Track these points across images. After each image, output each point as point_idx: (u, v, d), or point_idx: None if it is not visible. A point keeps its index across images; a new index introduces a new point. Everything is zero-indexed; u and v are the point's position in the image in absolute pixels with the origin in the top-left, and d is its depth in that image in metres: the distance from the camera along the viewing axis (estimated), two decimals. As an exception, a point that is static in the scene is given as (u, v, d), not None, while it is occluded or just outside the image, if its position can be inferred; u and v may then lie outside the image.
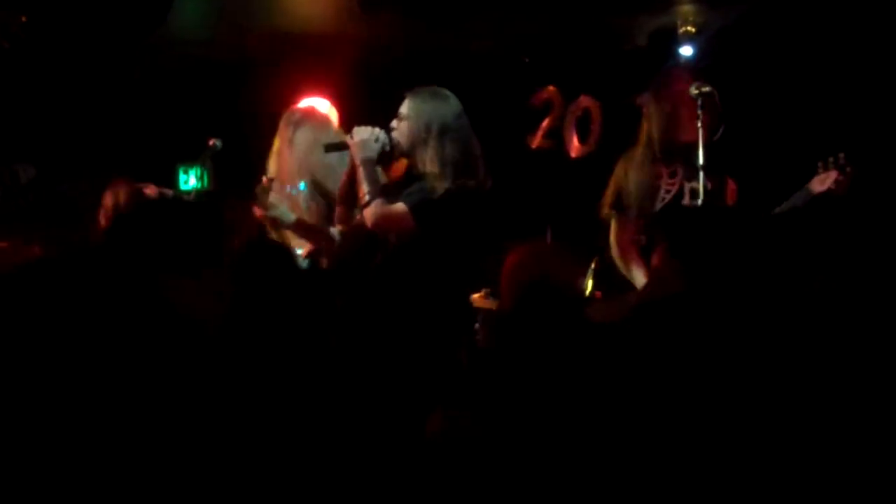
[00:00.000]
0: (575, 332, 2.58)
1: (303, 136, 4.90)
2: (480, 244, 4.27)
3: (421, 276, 4.08)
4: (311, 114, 5.10)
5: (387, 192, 4.31)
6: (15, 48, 5.31)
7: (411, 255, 4.17)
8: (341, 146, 4.47)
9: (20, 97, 5.88)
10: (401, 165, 4.55)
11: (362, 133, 4.38)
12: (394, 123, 4.45)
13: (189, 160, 6.29)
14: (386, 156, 4.47)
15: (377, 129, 4.38)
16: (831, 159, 4.11)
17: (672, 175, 4.30)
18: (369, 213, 4.26)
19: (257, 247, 3.24)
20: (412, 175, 4.44)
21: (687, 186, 4.25)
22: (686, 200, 4.24)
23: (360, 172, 4.33)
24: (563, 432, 2.32)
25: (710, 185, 4.14)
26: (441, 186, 4.20)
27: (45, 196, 5.59)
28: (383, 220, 4.25)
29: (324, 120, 5.08)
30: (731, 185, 4.27)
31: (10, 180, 5.54)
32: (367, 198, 4.27)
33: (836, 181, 4.09)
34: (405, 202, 4.20)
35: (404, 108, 4.43)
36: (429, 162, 4.31)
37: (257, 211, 4.85)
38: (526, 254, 3.96)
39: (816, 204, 4.05)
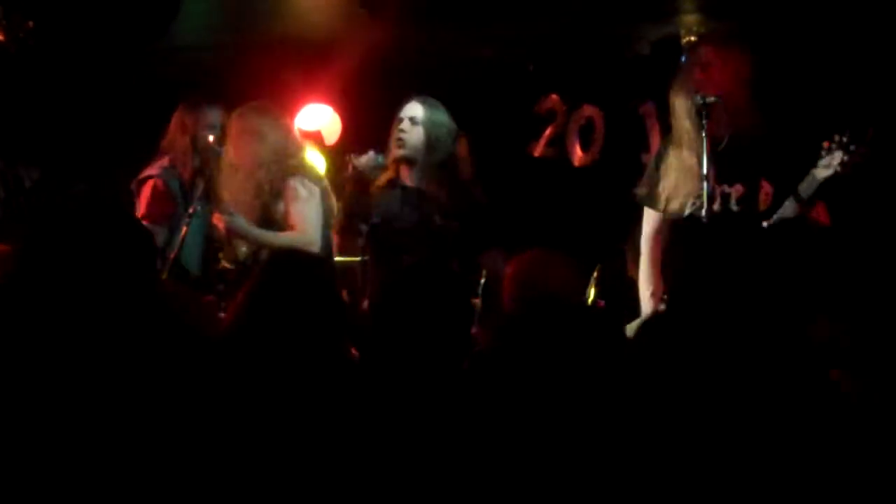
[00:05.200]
0: (577, 339, 2.59)
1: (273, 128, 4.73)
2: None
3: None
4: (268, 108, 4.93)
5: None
6: (22, 53, 5.33)
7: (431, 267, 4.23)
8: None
9: (25, 101, 5.89)
10: (385, 176, 4.58)
11: (364, 161, 4.46)
12: (405, 126, 4.44)
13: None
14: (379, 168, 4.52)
15: (373, 154, 4.43)
16: (836, 137, 3.92)
17: (702, 178, 4.13)
18: None
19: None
20: (396, 184, 4.46)
21: (718, 189, 4.14)
22: (717, 205, 4.12)
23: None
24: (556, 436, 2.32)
25: (742, 189, 4.09)
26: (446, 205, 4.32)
27: (48, 199, 5.60)
28: None
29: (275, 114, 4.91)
30: (766, 188, 4.12)
31: (13, 183, 5.55)
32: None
33: (840, 162, 3.89)
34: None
35: (419, 113, 4.42)
36: (437, 173, 4.32)
37: (216, 218, 4.67)
38: (529, 261, 3.97)
39: (824, 189, 3.94)
